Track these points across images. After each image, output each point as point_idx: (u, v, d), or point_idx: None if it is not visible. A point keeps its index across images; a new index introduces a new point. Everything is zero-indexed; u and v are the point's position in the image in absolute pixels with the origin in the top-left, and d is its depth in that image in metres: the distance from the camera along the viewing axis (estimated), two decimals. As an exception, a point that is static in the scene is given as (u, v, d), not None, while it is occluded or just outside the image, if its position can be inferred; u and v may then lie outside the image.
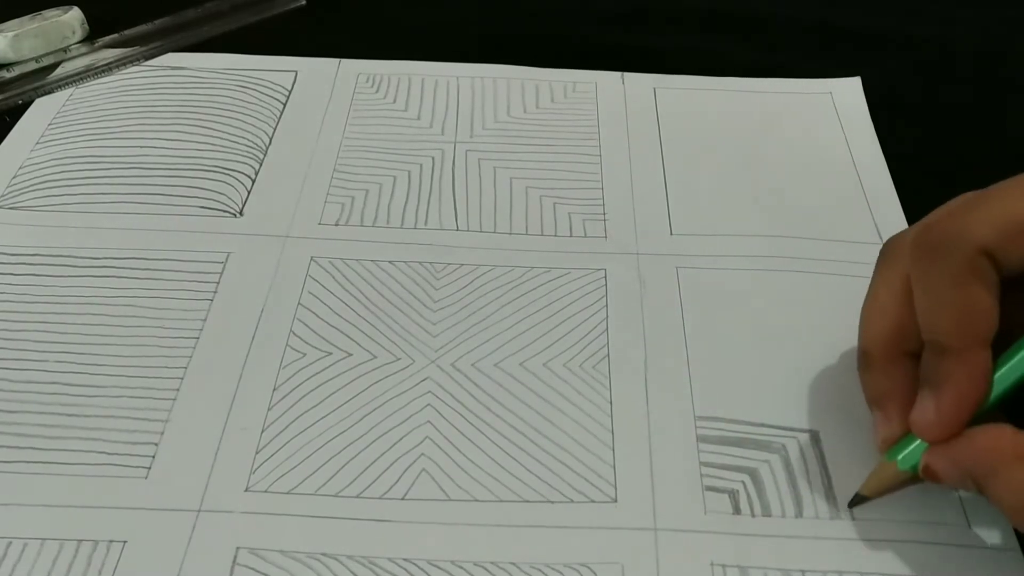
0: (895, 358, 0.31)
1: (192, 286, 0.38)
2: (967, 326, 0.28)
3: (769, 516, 0.31)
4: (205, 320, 0.36)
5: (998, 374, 0.29)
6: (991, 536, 0.30)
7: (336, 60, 0.50)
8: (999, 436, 0.28)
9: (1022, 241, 0.28)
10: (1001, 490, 0.27)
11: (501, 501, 0.31)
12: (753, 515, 0.31)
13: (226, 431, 0.33)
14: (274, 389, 0.34)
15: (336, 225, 0.40)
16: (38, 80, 0.47)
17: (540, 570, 0.29)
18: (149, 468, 0.32)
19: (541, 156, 0.44)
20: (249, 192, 0.42)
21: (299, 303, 0.37)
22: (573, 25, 0.53)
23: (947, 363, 0.28)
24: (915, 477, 0.30)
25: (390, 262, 0.39)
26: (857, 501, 0.31)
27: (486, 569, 0.29)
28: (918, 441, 0.29)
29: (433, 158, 0.44)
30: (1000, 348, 0.29)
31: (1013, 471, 0.27)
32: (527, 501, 0.31)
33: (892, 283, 0.31)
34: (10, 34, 0.48)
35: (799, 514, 0.31)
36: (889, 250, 0.31)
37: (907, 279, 0.30)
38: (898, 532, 0.30)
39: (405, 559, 0.29)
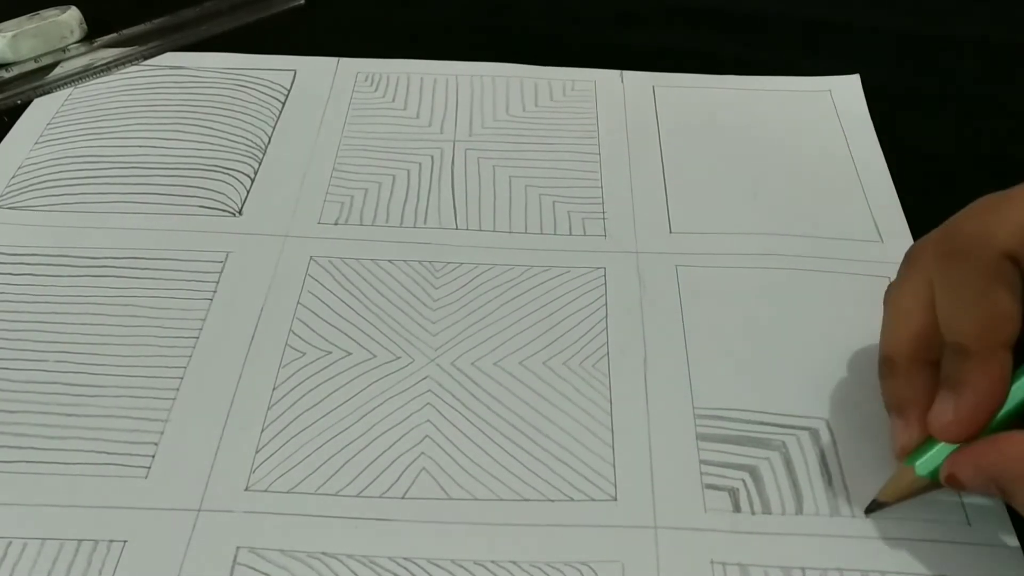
0: (918, 365, 0.30)
1: (192, 286, 0.38)
2: (989, 329, 0.28)
3: (769, 513, 0.31)
4: (205, 320, 0.36)
5: (1016, 384, 0.28)
6: (990, 534, 0.30)
7: (335, 59, 0.50)
8: None
9: None
10: None
11: (501, 500, 0.31)
12: (753, 512, 0.31)
13: (226, 431, 0.33)
14: (274, 388, 0.34)
15: (335, 224, 0.40)
16: (37, 80, 0.47)
17: (540, 569, 0.29)
18: (149, 468, 0.32)
19: (540, 155, 0.44)
20: (248, 191, 0.42)
21: (298, 302, 0.37)
22: (572, 24, 0.53)
23: (968, 365, 0.28)
24: (932, 484, 0.29)
25: (389, 261, 0.39)
26: (874, 507, 0.31)
27: (486, 568, 0.29)
28: (937, 447, 0.29)
29: (432, 157, 0.44)
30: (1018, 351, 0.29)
31: None
32: (527, 500, 0.31)
33: (917, 289, 0.30)
34: (9, 34, 0.48)
35: (799, 511, 0.31)
36: (913, 255, 0.31)
37: (931, 285, 0.29)
38: (898, 529, 0.30)
39: (405, 558, 0.29)
